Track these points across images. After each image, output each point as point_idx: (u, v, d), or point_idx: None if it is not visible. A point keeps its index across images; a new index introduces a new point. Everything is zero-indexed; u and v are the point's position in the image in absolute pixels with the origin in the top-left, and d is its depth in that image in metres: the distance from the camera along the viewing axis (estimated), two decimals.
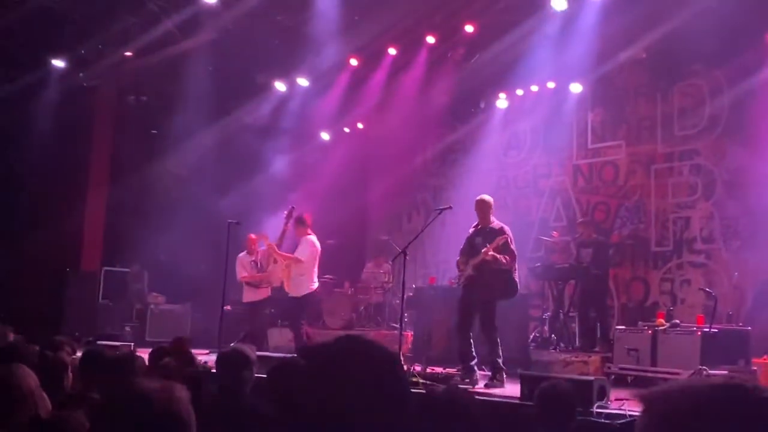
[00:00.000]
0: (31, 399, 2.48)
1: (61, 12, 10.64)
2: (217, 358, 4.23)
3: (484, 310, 7.24)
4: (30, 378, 2.57)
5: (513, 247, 7.31)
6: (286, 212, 9.08)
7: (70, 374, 3.92)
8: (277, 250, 9.18)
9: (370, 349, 1.60)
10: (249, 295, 10.05)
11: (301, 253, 8.99)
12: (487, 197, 7.54)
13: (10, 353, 4.27)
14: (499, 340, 7.21)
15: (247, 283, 9.99)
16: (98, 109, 12.99)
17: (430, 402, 2.51)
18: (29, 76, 11.40)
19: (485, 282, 7.22)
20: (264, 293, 10.01)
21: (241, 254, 10.14)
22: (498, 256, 7.10)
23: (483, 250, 7.10)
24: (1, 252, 11.33)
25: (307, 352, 3.76)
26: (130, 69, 12.02)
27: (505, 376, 7.12)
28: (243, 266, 10.07)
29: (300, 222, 9.07)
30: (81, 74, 12.09)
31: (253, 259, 10.07)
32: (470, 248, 7.42)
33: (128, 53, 11.65)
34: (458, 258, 7.66)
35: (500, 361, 7.17)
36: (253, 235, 10.11)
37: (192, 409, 1.73)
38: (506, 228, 7.37)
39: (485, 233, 7.36)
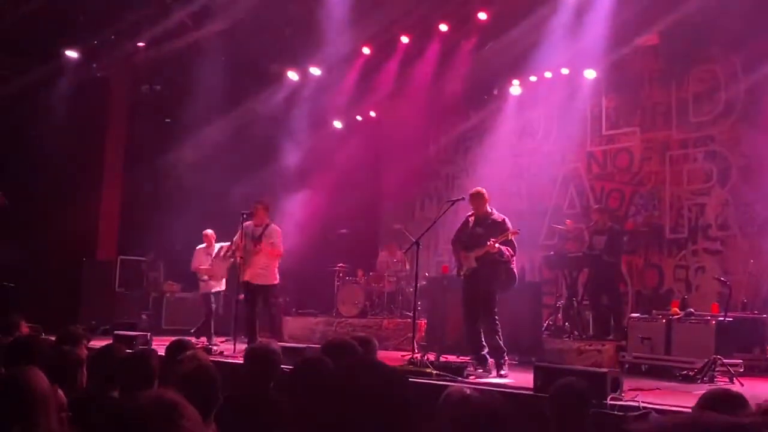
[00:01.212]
0: (43, 403, 2.49)
1: (74, 3, 10.65)
2: (246, 352, 4.28)
3: (485, 301, 7.26)
4: (42, 381, 2.58)
5: (514, 240, 7.35)
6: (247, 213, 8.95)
7: (85, 371, 3.94)
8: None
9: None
10: (203, 287, 10.33)
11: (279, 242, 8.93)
12: (480, 189, 7.54)
13: (23, 348, 4.30)
14: (499, 330, 7.21)
15: (200, 275, 10.30)
16: (112, 99, 13.04)
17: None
18: (43, 67, 11.43)
19: (486, 273, 7.25)
20: (214, 286, 10.25)
21: (200, 246, 10.49)
22: (503, 248, 7.11)
23: (489, 242, 7.10)
24: (17, 242, 11.43)
25: (334, 349, 3.77)
26: (143, 59, 12.04)
27: (500, 362, 7.15)
28: (198, 258, 10.41)
29: (268, 210, 9.02)
30: (94, 65, 12.12)
31: (209, 252, 10.35)
32: (470, 239, 7.39)
33: (141, 43, 11.67)
34: (454, 246, 7.59)
35: (485, 352, 7.22)
36: (209, 231, 10.45)
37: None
38: (508, 220, 7.38)
39: (486, 224, 7.36)
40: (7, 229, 11.69)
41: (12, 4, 10.21)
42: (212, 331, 10.08)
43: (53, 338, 5.70)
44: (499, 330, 7.26)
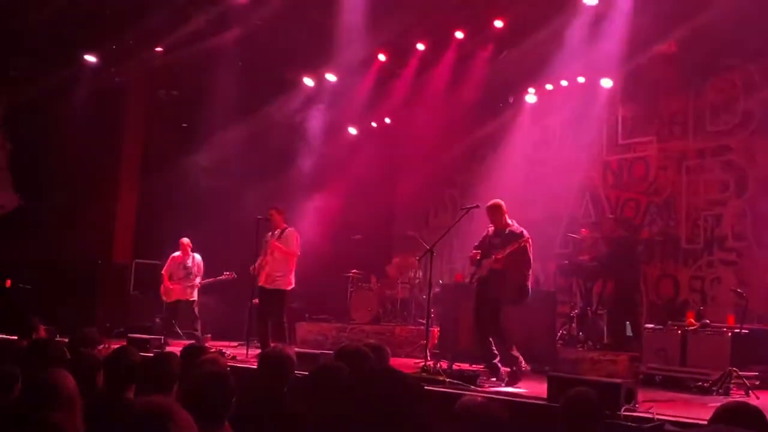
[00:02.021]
0: (71, 403, 2.55)
1: (93, 8, 10.77)
2: (260, 358, 4.30)
3: (492, 311, 7.24)
4: (70, 382, 2.65)
5: (531, 253, 7.24)
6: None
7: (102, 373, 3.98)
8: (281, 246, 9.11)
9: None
10: (176, 293, 10.64)
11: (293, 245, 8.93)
12: (498, 202, 7.50)
13: (41, 350, 4.35)
14: (509, 340, 7.19)
15: (168, 281, 10.67)
16: (129, 104, 13.15)
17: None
18: (62, 72, 11.54)
19: (496, 283, 7.23)
20: (191, 294, 10.65)
21: (175, 254, 10.78)
22: (499, 259, 7.08)
23: (493, 257, 7.12)
24: (34, 244, 11.55)
25: (347, 356, 3.79)
26: (160, 64, 12.13)
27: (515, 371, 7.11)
28: (170, 265, 10.72)
29: (282, 214, 9.06)
30: (113, 69, 12.23)
31: (182, 262, 10.68)
32: (488, 249, 7.38)
33: (159, 49, 11.77)
34: (473, 251, 7.57)
35: (497, 361, 7.21)
36: (185, 240, 10.75)
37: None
38: (526, 233, 7.29)
39: (504, 236, 7.34)
40: (23, 231, 11.84)
41: (32, 8, 10.33)
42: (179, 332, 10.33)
43: (67, 340, 5.78)
44: (510, 340, 7.21)
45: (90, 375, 3.78)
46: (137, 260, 12.73)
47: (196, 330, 10.42)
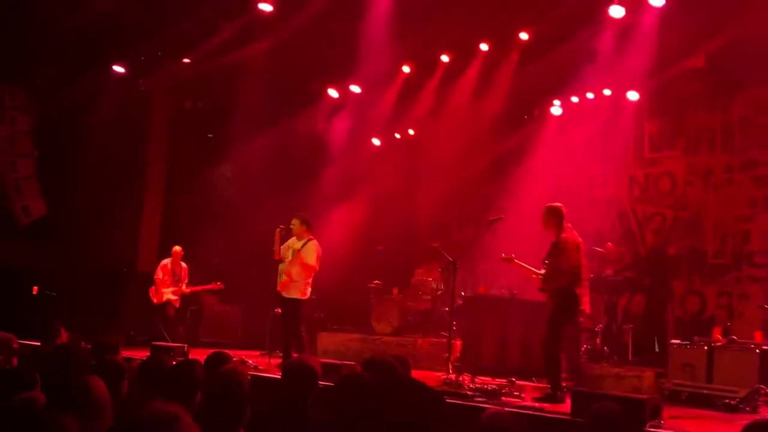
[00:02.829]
0: (103, 409, 2.60)
1: (121, 18, 10.94)
2: (284, 368, 4.31)
3: (545, 326, 7.14)
4: (102, 388, 2.70)
5: (572, 261, 6.97)
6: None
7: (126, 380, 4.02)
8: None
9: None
10: (165, 297, 11.11)
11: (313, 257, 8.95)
12: (554, 206, 7.28)
13: (65, 355, 4.41)
14: (554, 356, 7.05)
15: (160, 285, 11.15)
16: (156, 114, 13.32)
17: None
18: (90, 82, 11.72)
19: (549, 300, 7.13)
20: (177, 299, 11.19)
21: (165, 260, 11.27)
22: (534, 275, 6.98)
23: (536, 280, 7.05)
24: (60, 252, 11.72)
25: (375, 367, 3.80)
26: (187, 75, 12.29)
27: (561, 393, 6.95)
28: (162, 270, 11.21)
29: (306, 224, 9.04)
30: (140, 80, 12.41)
31: (173, 268, 11.18)
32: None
33: (186, 60, 11.93)
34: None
35: (554, 381, 7.06)
36: (177, 248, 11.25)
37: None
38: (565, 242, 7.03)
39: (552, 248, 7.15)
40: (50, 239, 12.01)
41: (62, 18, 10.52)
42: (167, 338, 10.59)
43: (90, 347, 5.85)
44: (556, 357, 7.04)
45: (114, 382, 3.82)
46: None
47: (178, 334, 10.97)
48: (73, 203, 12.33)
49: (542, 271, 7.21)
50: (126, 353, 7.19)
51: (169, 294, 11.12)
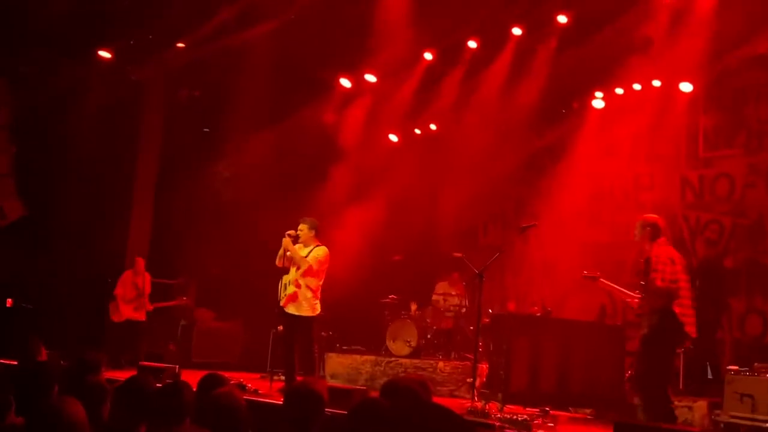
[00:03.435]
0: None
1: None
2: (286, 392, 4.31)
3: (639, 359, 7.06)
4: (80, 411, 2.71)
5: (667, 277, 6.82)
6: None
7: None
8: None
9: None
10: (126, 313, 11.39)
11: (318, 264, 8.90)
12: (649, 218, 7.18)
13: (40, 374, 4.43)
14: (664, 400, 6.91)
15: (121, 301, 11.45)
16: (147, 105, 13.41)
17: None
18: (73, 70, 11.80)
19: (644, 325, 6.99)
20: (142, 315, 11.49)
21: (127, 271, 11.62)
22: (628, 298, 6.91)
23: (632, 302, 6.95)
24: (38, 260, 11.78)
25: (395, 392, 3.77)
26: (181, 62, 12.35)
27: None
28: (123, 283, 11.50)
29: (313, 230, 9.00)
30: (129, 67, 12.49)
31: (135, 281, 11.52)
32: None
33: (180, 45, 11.99)
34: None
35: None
36: (140, 259, 11.68)
37: None
38: (657, 257, 6.87)
39: (644, 266, 7.01)
40: (27, 244, 12.09)
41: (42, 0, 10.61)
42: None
43: (68, 365, 5.87)
44: (660, 397, 6.90)
45: (95, 405, 3.83)
46: (152, 279, 12.91)
47: (141, 352, 11.14)
48: (54, 204, 12.43)
49: (636, 293, 7.09)
50: (110, 374, 7.23)
51: (130, 311, 11.39)
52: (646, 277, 6.88)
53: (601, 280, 7.58)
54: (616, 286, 7.45)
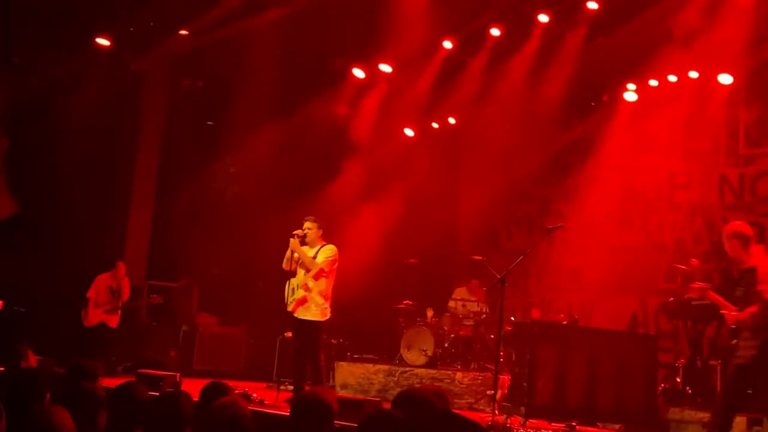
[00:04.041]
0: None
1: None
2: (293, 403, 4.29)
3: (732, 378, 6.94)
4: (67, 421, 2.69)
5: None
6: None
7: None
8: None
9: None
10: (95, 317, 11.44)
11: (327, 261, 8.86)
12: (737, 227, 7.01)
13: (27, 381, 4.42)
14: (727, 417, 6.84)
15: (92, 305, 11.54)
16: (147, 96, 13.46)
17: None
18: (70, 58, 11.81)
19: (746, 340, 6.83)
20: (114, 321, 11.52)
21: (104, 274, 11.65)
22: (728, 313, 6.81)
23: (728, 315, 6.83)
24: (31, 260, 11.81)
25: (408, 404, 3.73)
26: (185, 50, 12.37)
27: None
28: (97, 286, 11.57)
29: (321, 229, 8.97)
30: (129, 56, 12.52)
31: (110, 285, 11.57)
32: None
33: (183, 32, 12.00)
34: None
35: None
36: (120, 263, 11.75)
37: None
38: (765, 268, 6.72)
39: (744, 276, 6.86)
40: (19, 244, 12.13)
41: None
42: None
43: (63, 372, 5.88)
44: (731, 409, 6.88)
45: (90, 414, 3.82)
46: (150, 282, 12.94)
47: (113, 358, 11.34)
48: (48, 202, 12.46)
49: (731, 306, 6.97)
50: (108, 381, 7.22)
51: (100, 314, 11.42)
52: (751, 289, 6.75)
53: (710, 293, 7.46)
54: (722, 299, 7.30)
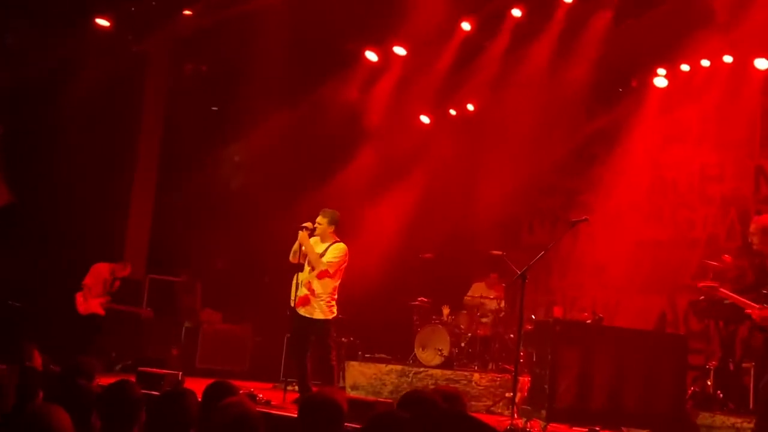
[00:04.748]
0: None
1: None
2: (301, 404, 4.31)
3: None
4: (65, 420, 2.71)
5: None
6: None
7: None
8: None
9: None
10: (93, 307, 11.69)
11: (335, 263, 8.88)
12: (763, 219, 7.13)
13: (29, 379, 4.46)
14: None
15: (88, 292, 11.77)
16: (149, 80, 13.49)
17: None
18: (67, 40, 11.85)
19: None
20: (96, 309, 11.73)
21: (102, 264, 11.91)
22: (754, 311, 6.79)
23: (755, 314, 6.81)
24: (26, 252, 11.89)
25: (413, 405, 3.74)
26: (188, 32, 12.38)
27: None
28: (95, 275, 11.79)
29: (333, 223, 8.96)
30: (129, 37, 12.54)
31: (107, 278, 11.82)
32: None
33: (187, 12, 12.02)
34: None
35: None
36: (129, 264, 12.06)
37: None
38: None
39: None
40: (14, 235, 12.20)
41: None
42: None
43: (58, 370, 5.92)
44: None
45: (85, 414, 3.84)
46: (151, 276, 12.99)
47: (113, 355, 11.63)
48: (44, 192, 12.52)
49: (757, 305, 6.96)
50: (105, 380, 7.25)
51: (96, 305, 11.63)
52: None
53: (722, 290, 7.45)
54: (739, 297, 7.28)
